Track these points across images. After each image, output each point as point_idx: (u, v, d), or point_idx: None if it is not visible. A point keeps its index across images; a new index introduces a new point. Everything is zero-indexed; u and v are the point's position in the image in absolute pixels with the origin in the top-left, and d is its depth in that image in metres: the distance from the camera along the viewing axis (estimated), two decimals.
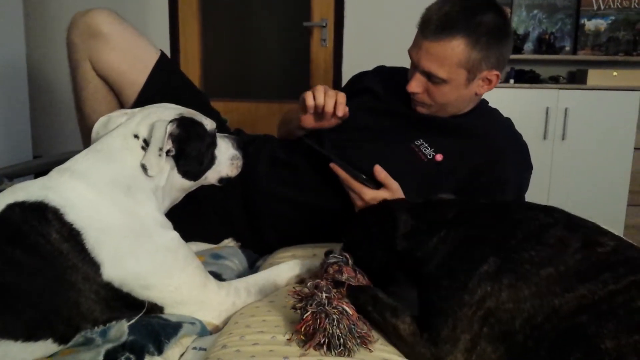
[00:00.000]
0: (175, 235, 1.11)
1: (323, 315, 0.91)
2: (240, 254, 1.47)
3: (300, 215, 1.52)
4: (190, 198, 1.32)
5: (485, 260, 0.87)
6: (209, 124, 1.23)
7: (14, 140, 3.03)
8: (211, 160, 1.23)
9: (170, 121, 1.11)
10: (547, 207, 0.96)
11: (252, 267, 1.47)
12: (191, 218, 1.50)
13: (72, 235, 0.96)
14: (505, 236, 0.90)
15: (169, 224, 1.13)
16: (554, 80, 3.30)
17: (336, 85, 3.45)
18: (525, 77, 3.26)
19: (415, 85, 1.45)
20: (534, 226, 0.89)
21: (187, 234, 1.44)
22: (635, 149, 3.09)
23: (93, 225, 0.98)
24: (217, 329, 1.08)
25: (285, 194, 1.53)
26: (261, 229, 1.55)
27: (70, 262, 0.94)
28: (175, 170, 1.15)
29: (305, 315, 0.93)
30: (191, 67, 3.61)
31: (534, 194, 1.55)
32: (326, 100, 1.42)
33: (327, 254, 1.11)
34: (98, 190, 1.02)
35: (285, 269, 1.23)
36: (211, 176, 1.25)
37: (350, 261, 1.08)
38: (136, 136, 1.10)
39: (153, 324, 0.97)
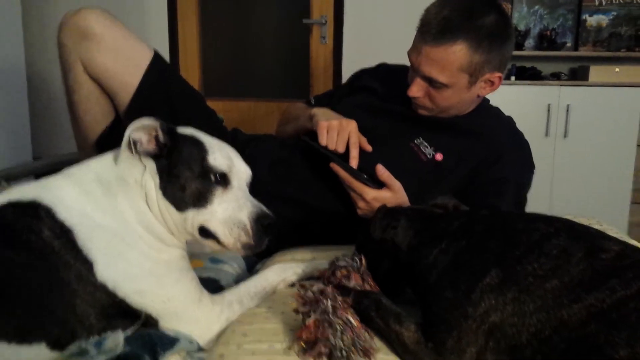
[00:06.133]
0: (176, 252, 1.07)
1: (326, 325, 0.89)
2: (239, 257, 1.45)
3: (300, 216, 1.50)
4: None
5: (487, 272, 0.85)
6: (219, 160, 1.04)
7: (14, 142, 3.02)
8: (198, 200, 1.02)
9: (161, 123, 1.02)
10: (549, 216, 0.94)
11: (251, 271, 1.45)
12: None
13: (64, 232, 0.95)
14: (506, 248, 0.87)
15: (172, 242, 1.06)
16: (556, 76, 3.27)
17: (336, 82, 3.42)
18: (526, 74, 3.23)
19: (416, 89, 1.42)
20: (535, 237, 0.87)
21: None
22: (638, 145, 3.06)
23: (83, 223, 0.97)
24: (210, 344, 1.05)
25: (284, 194, 1.50)
26: None
27: (62, 260, 0.93)
28: (158, 182, 1.03)
29: (307, 322, 0.90)
30: (190, 66, 3.59)
31: (536, 193, 1.53)
32: (338, 144, 1.36)
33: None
34: (82, 189, 1.01)
35: (272, 274, 1.20)
36: (194, 218, 1.03)
37: (362, 267, 1.06)
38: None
39: (150, 335, 0.95)
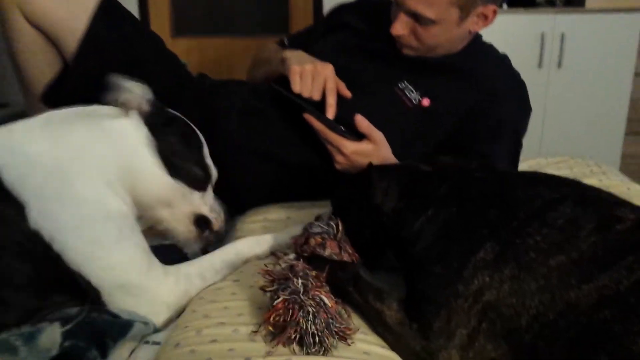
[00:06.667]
0: (116, 202, 0.92)
1: (296, 306, 0.78)
2: None
3: (275, 171, 1.36)
4: None
5: (481, 246, 0.73)
6: (209, 157, 1.10)
7: None
8: (194, 180, 1.05)
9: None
10: (553, 178, 0.81)
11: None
12: None
13: None
14: (504, 217, 0.75)
15: (116, 189, 0.94)
16: (550, 3, 3.07)
17: (317, 15, 3.20)
18: (518, 1, 3.03)
19: (400, 27, 1.25)
20: (537, 204, 0.74)
21: None
22: (635, 74, 2.93)
23: (16, 158, 0.84)
24: (168, 324, 0.94)
25: (257, 146, 1.36)
26: (233, 188, 1.38)
27: None
28: (151, 138, 0.96)
29: (275, 303, 0.79)
30: (159, 1, 3.34)
31: (528, 126, 1.39)
32: (312, 91, 1.22)
33: (316, 219, 0.98)
34: (24, 123, 0.89)
35: (244, 246, 1.07)
36: (188, 200, 1.04)
37: (339, 233, 0.94)
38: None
39: (97, 323, 0.83)
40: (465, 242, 0.75)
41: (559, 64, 2.91)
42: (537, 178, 0.82)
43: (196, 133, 1.07)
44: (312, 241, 0.93)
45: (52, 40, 1.35)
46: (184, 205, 1.02)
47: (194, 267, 0.99)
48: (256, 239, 1.09)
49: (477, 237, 0.75)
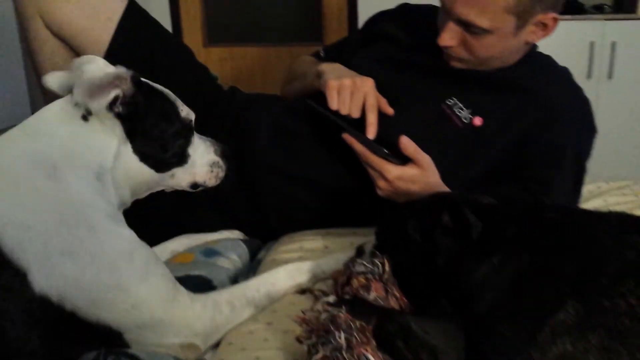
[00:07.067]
0: (130, 233, 0.87)
1: None
2: (241, 246, 1.22)
3: (308, 194, 1.26)
4: None
5: (561, 306, 0.61)
6: (185, 111, 0.99)
7: (10, 101, 2.91)
8: (182, 157, 0.99)
9: (132, 75, 0.88)
10: None
11: (254, 259, 1.24)
12: (177, 204, 1.24)
13: None
14: (588, 272, 0.63)
15: (121, 219, 0.90)
16: (599, 9, 2.92)
17: (351, 25, 3.11)
18: (566, 7, 2.87)
19: (449, 37, 1.14)
20: (630, 258, 0.63)
21: (173, 225, 1.22)
22: None
23: (10, 220, 0.77)
24: (195, 353, 0.86)
25: (289, 168, 1.27)
26: (263, 212, 1.30)
27: None
28: (130, 149, 0.91)
29: (314, 358, 0.70)
30: (192, 10, 3.30)
31: None
32: (351, 108, 1.12)
33: (358, 253, 0.89)
34: (4, 175, 0.81)
35: (282, 276, 0.98)
36: (182, 177, 1.01)
37: (385, 273, 0.84)
38: (77, 103, 0.88)
39: None
40: (541, 300, 0.64)
41: (610, 75, 2.75)
42: (625, 221, 0.70)
43: (168, 100, 0.98)
44: (355, 282, 0.84)
45: (75, 51, 1.29)
46: (176, 180, 1.01)
47: (224, 295, 0.92)
48: (296, 267, 1.01)
49: (556, 294, 0.63)
